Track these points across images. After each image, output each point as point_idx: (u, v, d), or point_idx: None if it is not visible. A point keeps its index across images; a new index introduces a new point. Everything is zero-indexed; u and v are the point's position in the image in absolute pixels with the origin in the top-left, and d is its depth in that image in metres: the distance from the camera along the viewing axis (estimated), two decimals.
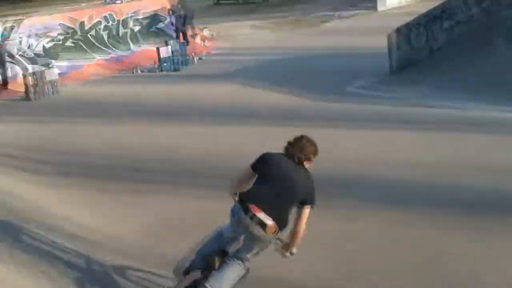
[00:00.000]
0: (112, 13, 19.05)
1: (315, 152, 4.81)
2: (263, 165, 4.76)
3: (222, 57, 18.47)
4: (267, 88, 13.40)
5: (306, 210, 4.70)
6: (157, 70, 17.36)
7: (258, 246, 4.72)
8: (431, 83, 12.21)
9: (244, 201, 4.66)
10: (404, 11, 22.60)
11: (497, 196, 6.90)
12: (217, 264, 4.67)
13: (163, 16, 20.04)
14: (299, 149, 4.76)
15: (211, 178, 8.05)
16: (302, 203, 4.70)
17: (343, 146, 9.00)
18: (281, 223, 4.65)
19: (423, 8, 20.67)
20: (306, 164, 4.79)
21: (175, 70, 17.25)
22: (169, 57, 17.47)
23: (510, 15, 12.31)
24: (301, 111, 11.38)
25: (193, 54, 18.61)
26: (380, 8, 24.03)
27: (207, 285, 4.58)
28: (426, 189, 7.35)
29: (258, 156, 4.81)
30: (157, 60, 17.51)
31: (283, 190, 4.62)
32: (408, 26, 13.54)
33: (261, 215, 4.58)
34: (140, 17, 19.57)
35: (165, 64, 17.37)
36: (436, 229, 6.31)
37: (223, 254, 4.77)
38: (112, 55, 18.60)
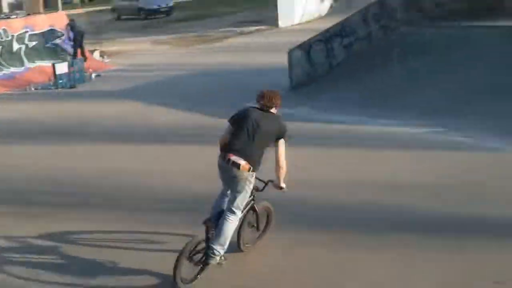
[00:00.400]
0: (6, 28, 18.07)
1: (278, 99, 5.93)
2: (236, 119, 5.87)
3: (121, 74, 17.91)
4: (165, 106, 13.00)
5: (281, 143, 5.81)
6: (53, 87, 16.55)
7: (240, 185, 5.75)
8: (331, 99, 12.27)
9: (222, 151, 5.81)
10: (305, 28, 22.82)
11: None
12: (210, 231, 5.72)
13: (60, 32, 19.24)
14: (265, 100, 5.86)
15: (94, 198, 7.70)
16: (276, 139, 5.79)
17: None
18: (253, 162, 5.73)
19: (323, 26, 21.09)
20: (274, 110, 5.90)
21: (71, 87, 16.51)
22: (65, 73, 16.71)
23: (407, 32, 12.50)
24: (201, 129, 11.07)
25: (90, 70, 17.93)
26: (281, 24, 24.14)
27: (210, 244, 5.71)
28: (326, 209, 7.15)
29: (232, 114, 5.92)
30: (52, 77, 16.70)
31: (252, 135, 5.72)
32: (308, 43, 13.53)
33: (234, 158, 5.70)
34: (36, 32, 18.68)
35: (61, 81, 16.59)
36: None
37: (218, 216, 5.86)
38: (4, 72, 17.62)
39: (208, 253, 5.67)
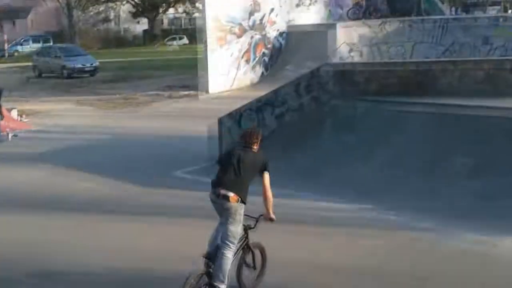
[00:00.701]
0: None
1: (258, 136, 6.92)
2: (223, 157, 6.96)
3: (40, 135, 17.48)
4: (82, 173, 12.67)
5: (266, 175, 6.69)
6: None
7: (231, 216, 6.57)
8: None
9: (213, 187, 6.68)
10: (235, 95, 23.02)
11: None
12: (209, 266, 6.48)
13: None
14: (246, 138, 6.87)
15: None
16: (260, 172, 6.69)
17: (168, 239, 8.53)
18: (241, 194, 6.59)
19: (254, 94, 21.34)
20: (255, 146, 6.84)
21: None
22: None
23: (340, 105, 12.74)
24: (120, 199, 10.83)
25: (7, 130, 17.43)
26: (212, 90, 24.29)
27: (212, 282, 6.42)
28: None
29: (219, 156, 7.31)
30: None
31: (238, 170, 6.60)
32: (239, 111, 13.59)
33: (223, 191, 6.57)
34: None
35: None
36: None
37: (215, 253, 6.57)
38: None
39: None
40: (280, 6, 26.95)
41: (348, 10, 28.74)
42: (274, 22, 26.75)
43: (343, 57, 24.59)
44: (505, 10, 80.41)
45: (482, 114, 10.82)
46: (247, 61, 25.72)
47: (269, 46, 26.52)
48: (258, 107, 13.70)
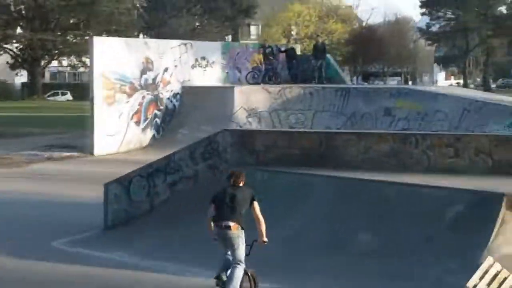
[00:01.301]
0: None
1: (242, 176, 9.30)
2: (216, 197, 9.14)
3: None
4: None
5: (255, 204, 9.03)
6: None
7: (235, 242, 8.74)
8: (151, 243, 12.08)
9: (215, 222, 8.90)
10: (124, 158, 22.74)
11: None
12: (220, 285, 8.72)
13: None
14: (234, 178, 9.24)
15: None
16: (250, 203, 8.96)
17: None
18: (239, 223, 8.80)
19: (144, 158, 21.15)
20: (241, 183, 9.22)
21: None
22: None
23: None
24: None
25: None
26: (97, 152, 23.87)
27: None
28: None
29: (212, 196, 9.21)
30: None
31: (231, 204, 8.84)
32: (128, 177, 13.41)
33: (225, 223, 8.75)
34: None
35: None
36: None
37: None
38: None
39: None
40: (175, 66, 27.16)
41: (247, 74, 29.34)
42: (168, 82, 26.86)
43: (241, 123, 24.95)
44: (406, 81, 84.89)
45: (386, 189, 11.13)
46: (137, 122, 25.55)
47: (161, 107, 26.52)
48: (149, 173, 13.58)
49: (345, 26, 73.99)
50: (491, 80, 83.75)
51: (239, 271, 8.65)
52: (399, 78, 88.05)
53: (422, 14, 79.85)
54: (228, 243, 8.74)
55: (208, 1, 62.44)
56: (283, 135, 13.43)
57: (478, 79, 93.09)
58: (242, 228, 8.76)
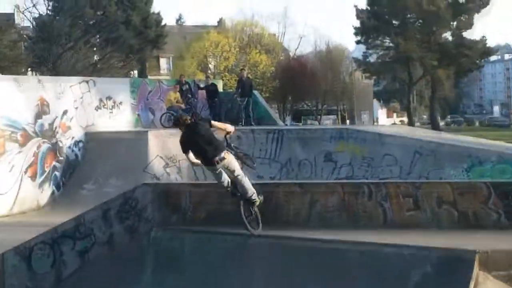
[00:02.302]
0: None
1: (183, 116, 12.76)
2: (188, 148, 12.34)
3: None
4: None
5: (213, 123, 12.51)
6: None
7: (232, 164, 12.12)
8: None
9: (207, 163, 12.32)
10: (18, 221, 22.18)
11: None
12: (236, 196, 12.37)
13: None
14: (181, 122, 12.58)
15: None
16: (210, 126, 12.44)
17: None
18: (223, 147, 12.26)
19: (43, 220, 20.74)
20: (188, 119, 12.47)
21: None
22: None
23: (162, 237, 12.74)
24: None
25: None
26: None
27: (246, 199, 12.22)
28: None
29: (181, 146, 12.67)
30: None
31: (206, 143, 12.06)
32: (29, 245, 13.11)
33: (218, 158, 11.98)
34: None
35: None
36: None
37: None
38: None
39: (251, 203, 12.16)
40: (76, 108, 26.85)
41: (161, 116, 29.33)
42: (68, 128, 26.47)
43: (157, 174, 24.78)
44: (342, 120, 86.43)
45: (341, 250, 11.24)
46: (33, 177, 24.97)
47: (61, 157, 26.05)
48: (54, 239, 13.32)
49: (270, 58, 75.02)
50: (438, 117, 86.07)
51: (244, 178, 12.27)
52: (334, 116, 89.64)
53: (357, 42, 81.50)
54: (229, 169, 12.08)
55: (110, 31, 62.36)
56: (215, 188, 13.41)
57: (424, 116, 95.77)
58: (227, 146, 12.37)
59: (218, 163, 12.01)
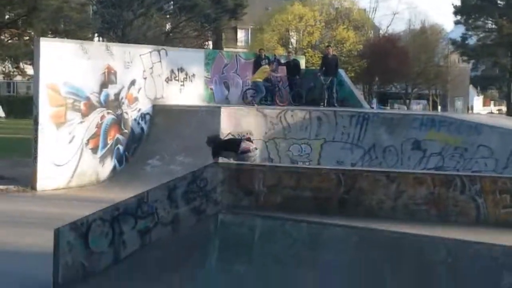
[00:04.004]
0: None
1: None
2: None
3: None
4: None
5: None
6: None
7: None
8: None
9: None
10: (76, 195, 22.58)
11: None
12: None
13: None
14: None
15: None
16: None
17: None
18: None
19: (102, 196, 21.04)
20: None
21: None
22: None
23: (231, 221, 12.74)
24: None
25: None
26: (41, 186, 23.68)
27: None
28: None
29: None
30: None
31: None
32: (86, 221, 13.21)
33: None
34: None
35: None
36: None
37: None
38: None
39: None
40: (145, 79, 27.10)
41: (245, 91, 29.32)
42: (136, 99, 26.77)
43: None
44: (434, 107, 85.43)
45: (428, 246, 11.07)
46: (94, 150, 25.37)
47: (126, 130, 26.38)
48: (114, 217, 13.38)
49: (358, 35, 74.42)
50: None
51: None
52: (425, 102, 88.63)
53: (456, 22, 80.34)
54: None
55: None
56: (291, 172, 13.32)
57: None
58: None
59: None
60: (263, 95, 28.70)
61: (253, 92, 28.81)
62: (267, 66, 29.34)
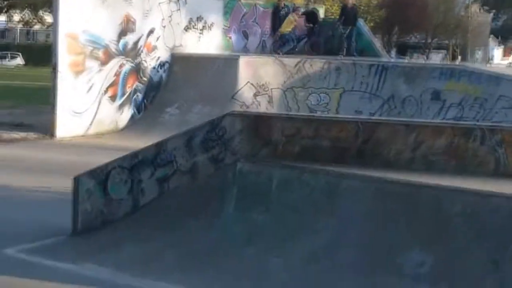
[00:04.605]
0: None
1: None
2: None
3: None
4: None
5: None
6: None
7: None
8: (132, 253, 12.07)
9: None
10: (94, 143, 22.68)
11: None
12: None
13: None
14: None
15: None
16: None
17: None
18: None
19: (121, 144, 21.11)
20: None
21: None
22: None
23: (248, 170, 12.70)
24: None
25: None
26: (60, 134, 23.79)
27: None
28: None
29: None
30: None
31: None
32: (105, 169, 13.30)
33: None
34: None
35: None
36: None
37: None
38: None
39: None
40: (163, 27, 27.04)
41: (276, 40, 29.21)
42: (154, 48, 26.79)
43: (246, 102, 24.86)
44: (453, 57, 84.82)
45: (445, 197, 11.01)
46: (113, 98, 25.48)
47: (144, 79, 26.46)
48: (133, 165, 13.45)
49: None
50: None
51: None
52: (444, 52, 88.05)
53: None
54: None
55: None
56: (310, 122, 13.25)
57: None
58: None
59: None
60: (291, 46, 28.71)
61: (281, 43, 28.82)
62: (293, 17, 29.31)
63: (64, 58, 24.04)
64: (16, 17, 68.89)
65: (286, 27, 28.85)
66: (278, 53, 27.73)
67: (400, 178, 11.79)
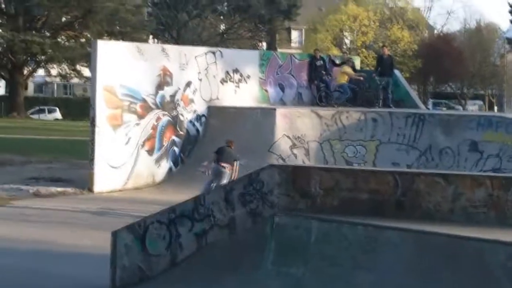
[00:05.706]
0: None
1: (232, 142, 21.86)
2: (217, 151, 21.50)
3: None
4: None
5: (235, 163, 21.14)
6: None
7: (224, 177, 20.77)
8: None
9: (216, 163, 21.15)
10: (132, 197, 22.72)
11: None
12: None
13: None
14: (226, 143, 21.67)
15: None
16: (234, 160, 21.19)
17: None
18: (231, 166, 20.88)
19: (158, 197, 21.15)
20: (232, 146, 21.70)
21: None
22: None
23: (287, 224, 12.65)
24: None
25: None
26: (98, 189, 23.87)
27: None
28: None
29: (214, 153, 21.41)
30: None
31: (225, 157, 21.16)
32: (144, 224, 13.30)
33: (222, 164, 21.08)
34: None
35: None
36: None
37: None
38: None
39: None
40: (200, 80, 27.19)
41: (323, 92, 29.27)
42: (191, 101, 26.90)
43: (283, 155, 24.85)
44: (490, 107, 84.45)
45: (489, 251, 10.89)
46: (150, 151, 25.56)
47: (181, 132, 26.54)
48: (171, 219, 13.43)
49: (413, 34, 73.93)
50: None
51: None
52: (481, 102, 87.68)
53: None
54: (217, 178, 20.51)
55: None
56: (348, 174, 13.24)
57: None
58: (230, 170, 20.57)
59: (220, 166, 20.86)
60: (347, 96, 28.81)
61: (339, 94, 28.89)
62: (347, 67, 29.50)
63: (102, 111, 24.21)
64: (54, 71, 69.61)
65: (342, 79, 28.93)
66: (334, 106, 27.74)
67: (440, 230, 11.72)
